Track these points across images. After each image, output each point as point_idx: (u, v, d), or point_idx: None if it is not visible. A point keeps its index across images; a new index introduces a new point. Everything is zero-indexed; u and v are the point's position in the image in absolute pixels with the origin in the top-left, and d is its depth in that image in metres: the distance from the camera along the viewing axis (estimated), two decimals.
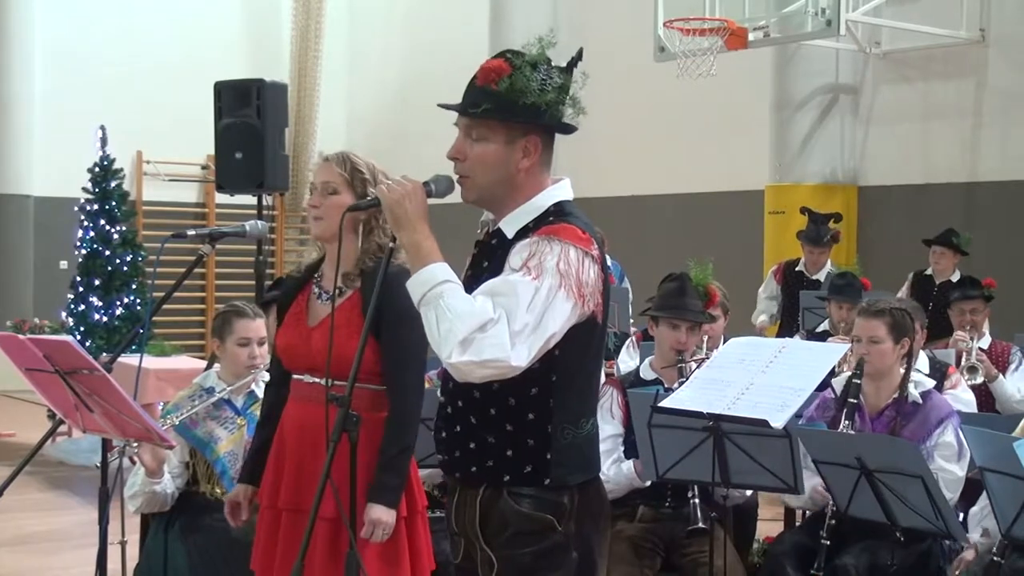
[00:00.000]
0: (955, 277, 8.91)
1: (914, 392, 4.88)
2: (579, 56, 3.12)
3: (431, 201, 3.02)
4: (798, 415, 5.06)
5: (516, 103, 2.98)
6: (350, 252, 3.73)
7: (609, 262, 10.79)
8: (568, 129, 3.10)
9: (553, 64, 3.05)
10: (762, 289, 9.68)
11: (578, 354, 3.01)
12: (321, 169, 3.80)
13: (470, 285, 2.97)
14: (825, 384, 6.21)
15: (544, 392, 2.99)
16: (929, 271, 9.08)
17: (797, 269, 9.37)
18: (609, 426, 4.93)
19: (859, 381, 4.88)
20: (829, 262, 9.30)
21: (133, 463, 4.80)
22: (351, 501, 3.24)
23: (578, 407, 3.06)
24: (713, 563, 4.62)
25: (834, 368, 6.42)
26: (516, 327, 2.83)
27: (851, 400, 4.85)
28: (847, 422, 4.80)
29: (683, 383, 4.87)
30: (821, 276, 9.14)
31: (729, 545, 4.84)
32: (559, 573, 3.01)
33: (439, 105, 3.16)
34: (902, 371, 4.93)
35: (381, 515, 3.56)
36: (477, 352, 2.80)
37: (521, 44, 3.06)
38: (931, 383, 5.09)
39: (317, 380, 3.67)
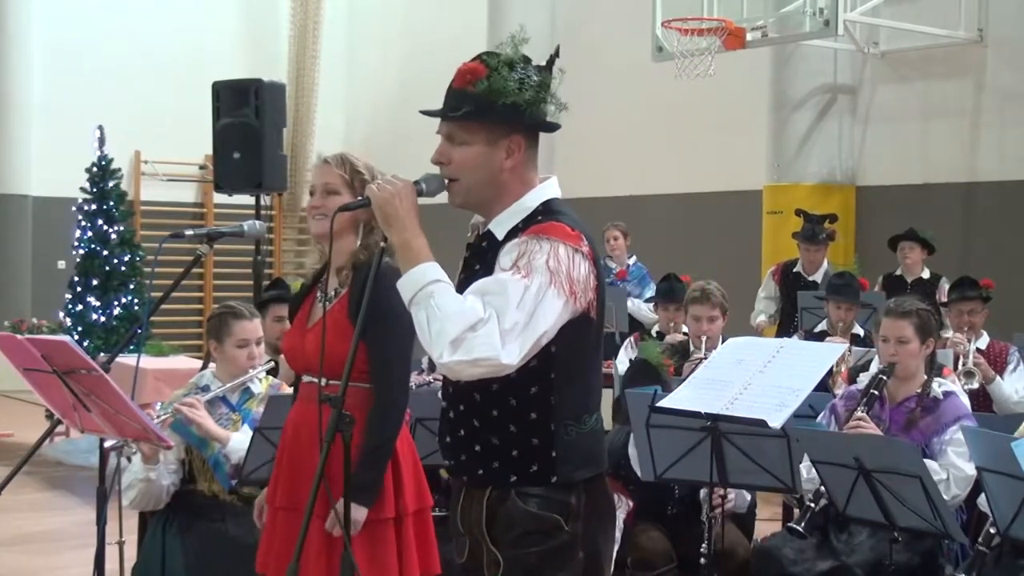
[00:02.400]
0: (925, 274, 8.94)
1: (937, 390, 4.94)
2: (556, 53, 3.12)
3: (422, 200, 3.02)
4: (811, 409, 5.08)
5: (495, 103, 2.98)
6: (347, 251, 3.75)
7: (632, 262, 10.74)
8: (550, 128, 3.10)
9: (532, 63, 3.05)
10: (761, 289, 9.68)
11: (575, 351, 3.01)
12: (321, 171, 3.83)
13: (462, 288, 2.96)
14: (824, 384, 6.25)
15: (544, 390, 2.99)
16: (899, 271, 9.09)
17: (795, 270, 9.38)
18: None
19: (886, 378, 4.91)
20: (826, 262, 9.31)
21: (129, 461, 4.80)
22: (346, 502, 3.24)
23: (580, 404, 3.06)
24: (712, 542, 4.63)
25: (832, 369, 6.48)
26: (507, 325, 2.82)
27: (873, 392, 4.89)
28: (865, 408, 4.82)
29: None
30: (818, 277, 9.13)
31: (731, 526, 4.87)
32: (565, 573, 3.01)
33: (421, 112, 3.16)
34: (924, 376, 4.99)
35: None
36: (468, 351, 2.80)
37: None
38: (956, 387, 5.14)
39: (313, 379, 3.70)
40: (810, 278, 9.22)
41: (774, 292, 9.50)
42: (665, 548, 4.96)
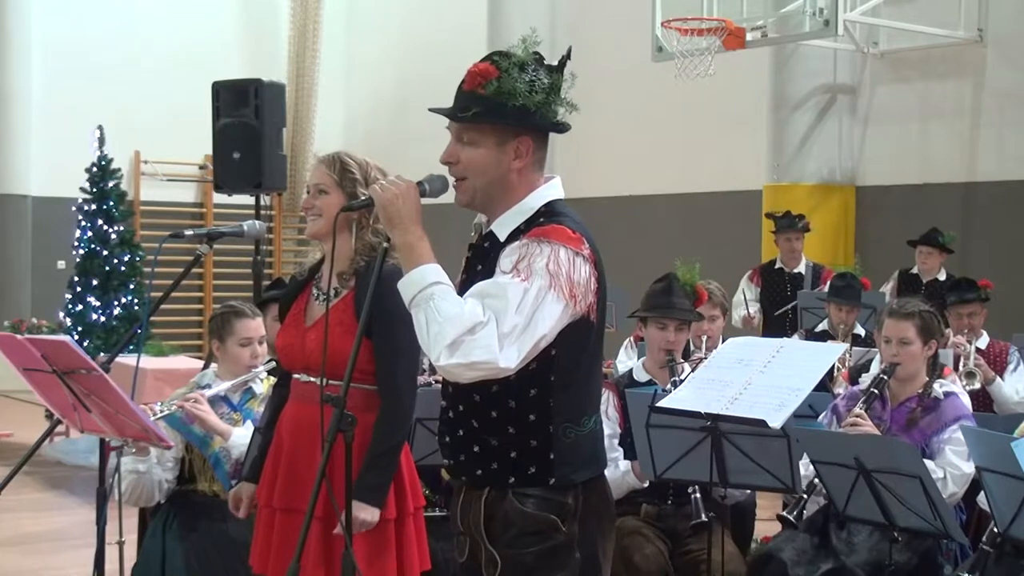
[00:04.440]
0: (941, 275, 8.95)
1: (938, 391, 4.94)
2: (568, 55, 3.12)
3: (425, 201, 3.02)
4: (811, 409, 5.09)
5: (505, 105, 2.98)
6: (344, 251, 3.76)
7: None
8: (559, 128, 3.10)
9: (544, 62, 3.05)
10: (737, 294, 9.47)
11: (575, 353, 3.02)
12: (314, 170, 3.87)
13: (463, 288, 2.97)
14: (824, 384, 6.24)
15: (543, 393, 3.00)
16: (915, 270, 9.11)
17: (776, 267, 9.45)
18: (606, 427, 4.94)
19: (887, 377, 4.92)
20: (804, 257, 9.40)
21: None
22: (347, 502, 3.24)
23: (579, 406, 3.06)
24: (712, 558, 4.62)
25: (832, 369, 6.48)
26: (505, 329, 2.83)
27: (874, 391, 4.90)
28: (864, 405, 4.82)
29: (676, 382, 4.90)
30: (802, 269, 9.27)
31: (728, 539, 4.85)
32: (563, 573, 3.03)
33: (430, 110, 3.16)
34: (926, 377, 4.99)
35: (359, 513, 3.55)
36: (465, 354, 2.81)
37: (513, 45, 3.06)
38: (957, 387, 5.14)
39: (312, 379, 3.70)
40: (794, 271, 9.31)
41: (756, 295, 9.48)
42: (660, 566, 4.93)
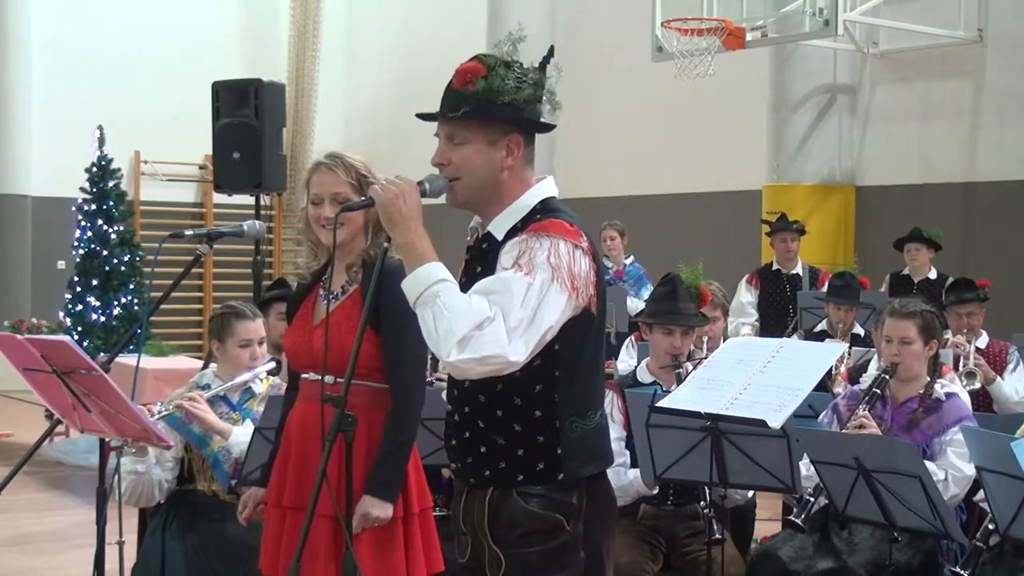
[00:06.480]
0: (932, 274, 8.95)
1: (939, 392, 4.94)
2: (551, 53, 3.14)
3: (425, 201, 3.03)
4: (811, 409, 5.08)
5: (495, 103, 3.00)
6: (356, 251, 3.77)
7: (628, 262, 10.72)
8: (547, 127, 3.12)
9: (527, 65, 3.08)
10: (736, 299, 9.44)
11: (578, 347, 3.03)
12: (325, 179, 3.77)
13: (464, 291, 2.97)
14: (823, 384, 6.24)
15: (548, 388, 3.01)
16: (906, 271, 9.11)
17: (774, 268, 9.45)
18: (612, 430, 4.91)
19: (888, 377, 4.92)
20: (800, 259, 9.45)
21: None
22: (347, 501, 3.24)
23: (584, 400, 3.07)
24: (711, 561, 4.62)
25: (831, 369, 6.48)
26: (512, 323, 2.84)
27: (876, 391, 4.90)
28: (866, 405, 4.83)
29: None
30: (799, 270, 9.27)
31: (729, 542, 4.84)
32: (567, 572, 3.03)
33: (418, 115, 3.18)
34: (927, 378, 4.99)
35: (371, 509, 3.56)
36: (475, 350, 2.82)
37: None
38: (959, 388, 5.14)
39: (318, 377, 3.68)
40: (791, 272, 9.32)
41: (754, 297, 9.47)
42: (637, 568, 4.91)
